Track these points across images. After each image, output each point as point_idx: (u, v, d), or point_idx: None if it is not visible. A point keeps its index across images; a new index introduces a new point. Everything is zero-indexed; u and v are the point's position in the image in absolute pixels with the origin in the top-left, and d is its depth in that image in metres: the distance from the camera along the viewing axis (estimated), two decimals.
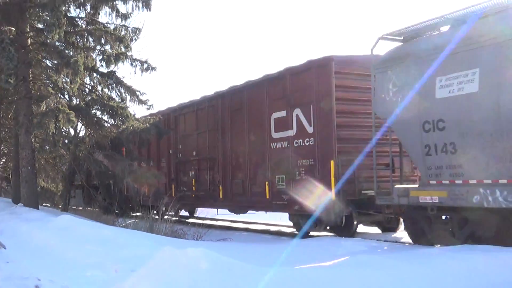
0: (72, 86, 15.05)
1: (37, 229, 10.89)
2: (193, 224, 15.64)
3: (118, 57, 15.57)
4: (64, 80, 15.74)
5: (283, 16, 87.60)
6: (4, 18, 14.58)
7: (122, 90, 16.18)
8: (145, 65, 15.86)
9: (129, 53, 15.82)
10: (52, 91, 15.07)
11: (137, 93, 16.05)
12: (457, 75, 8.18)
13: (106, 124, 16.19)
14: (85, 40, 15.75)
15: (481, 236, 8.35)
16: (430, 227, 9.10)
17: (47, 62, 16.43)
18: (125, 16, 15.82)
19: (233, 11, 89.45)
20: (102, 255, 7.69)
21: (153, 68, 15.98)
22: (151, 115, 16.95)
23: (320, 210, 10.76)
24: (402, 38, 9.90)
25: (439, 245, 8.85)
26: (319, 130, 11.19)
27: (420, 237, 9.42)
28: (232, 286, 5.61)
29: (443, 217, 9.03)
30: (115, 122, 16.02)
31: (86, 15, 15.85)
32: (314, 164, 11.25)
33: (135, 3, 15.43)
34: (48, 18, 15.33)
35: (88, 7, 15.44)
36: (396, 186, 9.40)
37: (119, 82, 16.10)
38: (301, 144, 11.67)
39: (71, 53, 15.12)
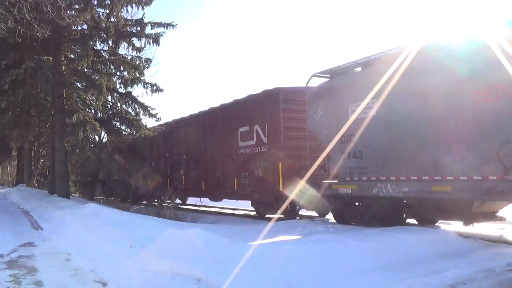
0: (97, 103, 15.05)
1: (68, 215, 10.72)
2: (191, 210, 15.66)
3: (134, 81, 15.64)
4: (91, 98, 15.73)
5: (259, 46, 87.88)
6: (44, 50, 14.45)
7: (136, 106, 16.24)
8: (155, 87, 15.94)
9: (142, 78, 15.92)
10: (81, 106, 15.03)
11: (148, 108, 16.12)
12: (363, 103, 8.88)
13: (123, 133, 16.22)
14: (108, 67, 15.72)
15: (380, 216, 8.96)
16: (347, 210, 9.88)
17: (78, 84, 16.34)
18: (139, 49, 15.86)
19: (226, 41, 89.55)
20: (120, 235, 7.59)
21: (161, 90, 16.03)
22: (159, 125, 16.95)
23: (272, 198, 11.64)
24: (329, 75, 10.40)
25: (353, 224, 9.53)
26: (271, 140, 11.73)
27: (340, 218, 10.16)
28: (221, 257, 5.58)
29: (355, 204, 9.67)
30: (131, 131, 16.10)
31: (108, 48, 15.81)
32: (268, 166, 11.71)
33: (147, 40, 15.49)
34: (78, 50, 15.30)
35: (110, 42, 15.44)
36: (324, 181, 9.90)
37: (134, 100, 16.16)
38: (259, 150, 12.14)
39: (97, 77, 15.08)
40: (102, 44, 15.69)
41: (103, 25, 14.43)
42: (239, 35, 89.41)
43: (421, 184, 7.81)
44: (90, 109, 16.20)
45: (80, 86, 16.30)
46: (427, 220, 9.31)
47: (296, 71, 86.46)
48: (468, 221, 8.02)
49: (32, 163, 28.65)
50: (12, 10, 10.84)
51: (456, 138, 7.26)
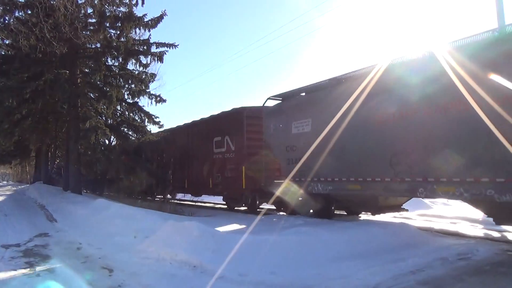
0: (108, 111, 14.93)
1: (80, 209, 10.53)
2: (188, 205, 15.53)
3: (140, 93, 15.53)
4: (102, 107, 15.57)
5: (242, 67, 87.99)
6: (62, 64, 14.29)
7: (142, 115, 16.10)
8: (158, 98, 15.81)
9: (147, 90, 15.79)
10: (93, 114, 14.88)
11: (153, 116, 15.99)
12: (302, 121, 9.99)
13: (131, 137, 16.07)
14: (118, 80, 15.56)
15: (315, 207, 9.98)
16: (297, 205, 10.52)
17: (91, 94, 16.15)
18: (145, 65, 15.79)
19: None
20: (125, 226, 7.48)
21: (164, 100, 15.92)
22: (158, 132, 16.82)
23: (237, 195, 12.53)
24: (281, 98, 11.34)
25: (299, 214, 10.28)
26: (237, 148, 12.53)
27: (295, 212, 10.80)
28: (215, 247, 5.53)
29: (299, 198, 10.38)
30: (137, 136, 15.96)
31: (118, 64, 15.73)
32: (235, 168, 12.45)
33: (152, 57, 15.44)
34: (92, 65, 15.14)
35: (120, 58, 15.40)
36: (275, 181, 10.67)
37: (140, 109, 16.03)
38: (228, 156, 12.94)
39: (108, 89, 14.92)
40: (113, 60, 15.62)
41: (114, 44, 14.36)
42: (231, 53, 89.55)
43: (340, 184, 8.75)
44: (102, 117, 16.00)
45: (93, 97, 16.11)
46: (352, 211, 10.53)
47: (280, 87, 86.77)
48: (377, 211, 9.10)
49: (49, 163, 28.16)
50: (34, 29, 10.70)
51: (363, 148, 8.21)
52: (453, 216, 10.35)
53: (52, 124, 19.01)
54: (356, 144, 8.31)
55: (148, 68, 15.94)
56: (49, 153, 28.04)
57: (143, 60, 15.57)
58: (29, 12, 12.89)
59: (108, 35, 14.44)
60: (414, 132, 7.20)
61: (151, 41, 15.25)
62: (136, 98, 15.74)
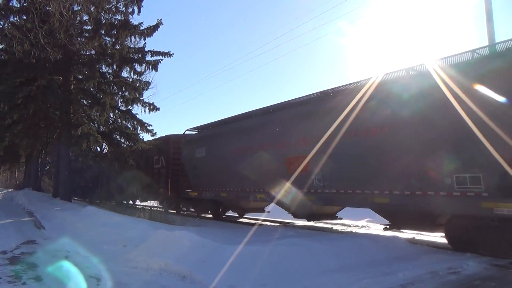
0: (101, 118, 14.81)
1: (69, 216, 10.36)
2: (180, 214, 15.40)
3: (133, 101, 15.48)
4: (95, 114, 15.46)
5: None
6: (55, 70, 14.22)
7: (135, 123, 16.02)
8: (152, 106, 15.79)
9: (141, 98, 15.73)
10: (86, 121, 14.78)
11: (145, 124, 15.93)
12: (200, 149, 14.04)
13: (123, 145, 15.93)
14: (111, 88, 15.50)
15: (208, 209, 14.45)
16: (195, 206, 15.14)
17: (84, 101, 16.05)
18: (139, 74, 15.78)
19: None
20: (115, 235, 7.37)
21: (157, 109, 15.90)
22: (154, 139, 16.72)
23: (168, 200, 16.42)
24: (197, 130, 15.30)
25: (209, 215, 14.62)
26: (166, 165, 16.48)
27: (200, 212, 15.08)
28: (205, 257, 5.46)
29: (199, 202, 14.56)
30: (129, 143, 15.83)
31: (112, 71, 15.67)
32: (165, 180, 16.24)
33: (147, 66, 15.45)
34: (86, 72, 15.07)
35: (114, 66, 15.36)
36: (186, 190, 14.85)
37: (133, 117, 15.95)
38: (161, 171, 16.77)
39: (101, 96, 14.84)
40: (107, 68, 15.57)
41: (109, 51, 14.34)
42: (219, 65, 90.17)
43: (216, 192, 13.01)
44: (94, 124, 15.89)
45: (86, 103, 16.01)
46: (239, 213, 14.85)
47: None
48: (311, 218, 10.54)
49: (39, 169, 27.74)
50: (29, 35, 10.65)
51: (224, 170, 12.64)
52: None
53: (43, 130, 18.81)
54: (222, 167, 12.60)
55: (142, 76, 15.96)
56: (40, 159, 27.65)
57: (138, 68, 15.59)
58: (24, 17, 12.86)
59: (103, 43, 14.43)
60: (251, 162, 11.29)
61: (146, 49, 15.28)
62: (130, 106, 15.69)
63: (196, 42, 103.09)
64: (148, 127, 15.92)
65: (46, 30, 11.28)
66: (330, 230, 10.10)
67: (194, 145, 14.38)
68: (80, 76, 15.93)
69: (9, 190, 30.44)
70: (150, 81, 16.30)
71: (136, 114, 16.15)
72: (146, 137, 19.13)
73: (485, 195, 6.30)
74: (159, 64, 15.41)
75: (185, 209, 16.59)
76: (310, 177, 9.16)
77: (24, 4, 12.98)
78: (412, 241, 7.92)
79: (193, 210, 15.71)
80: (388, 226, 8.30)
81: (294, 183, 9.43)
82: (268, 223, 12.31)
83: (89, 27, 14.37)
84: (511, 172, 5.83)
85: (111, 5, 14.03)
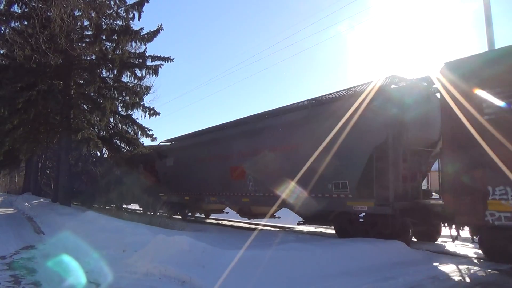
0: (101, 123, 14.80)
1: (68, 221, 10.32)
2: (179, 219, 15.36)
3: (134, 105, 15.44)
4: (95, 118, 15.44)
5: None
6: (56, 75, 14.23)
7: (135, 127, 15.97)
8: (152, 111, 15.70)
9: (141, 103, 15.69)
10: (86, 125, 14.76)
11: (146, 129, 15.88)
12: (170, 158, 16.11)
13: (123, 150, 15.91)
14: (112, 92, 15.48)
15: (178, 209, 15.97)
16: (172, 210, 15.19)
17: (84, 106, 16.05)
18: (140, 78, 15.72)
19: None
20: (114, 240, 7.34)
21: (158, 113, 15.82)
22: (143, 148, 16.73)
23: (152, 202, 16.32)
24: (170, 142, 17.32)
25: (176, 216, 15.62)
26: (148, 172, 17.21)
27: (171, 214, 15.11)
28: (204, 262, 5.43)
29: (169, 204, 15.44)
30: (129, 148, 15.79)
31: (113, 76, 15.65)
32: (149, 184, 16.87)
33: (147, 71, 15.42)
34: (87, 77, 15.08)
35: (115, 71, 15.31)
36: (160, 194, 16.48)
37: (134, 122, 15.92)
38: (143, 177, 17.19)
39: (101, 101, 14.84)
40: (108, 72, 15.54)
41: (110, 56, 14.35)
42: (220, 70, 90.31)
43: (180, 196, 15.26)
44: (94, 128, 15.88)
45: (86, 108, 16.01)
46: (205, 214, 16.72)
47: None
48: (252, 217, 12.51)
49: (39, 174, 27.72)
50: (30, 40, 10.69)
51: (190, 177, 14.85)
52: (443, 234, 10.37)
53: (43, 135, 18.79)
54: (186, 174, 14.82)
55: (143, 81, 15.91)
56: (40, 164, 27.65)
57: (138, 73, 15.54)
58: (26, 23, 12.91)
59: (104, 48, 14.45)
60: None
61: (147, 54, 15.28)
62: (130, 111, 15.65)
63: (196, 47, 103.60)
64: (148, 132, 15.88)
65: (47, 35, 11.33)
66: (330, 235, 10.07)
67: (168, 156, 16.82)
68: (80, 81, 15.94)
69: (8, 197, 30.43)
70: (150, 85, 16.30)
71: (137, 118, 16.10)
72: (147, 141, 19.20)
73: (350, 197, 8.62)
74: (160, 69, 15.39)
75: (161, 211, 16.75)
76: (246, 183, 11.49)
77: (26, 10, 13.04)
78: (413, 246, 7.89)
79: (164, 212, 16.55)
80: (301, 222, 10.35)
81: (235, 188, 12.13)
82: (268, 228, 12.27)
83: (90, 32, 14.42)
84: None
85: (112, 11, 14.08)
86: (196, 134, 15.87)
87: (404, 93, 8.34)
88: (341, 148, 8.37)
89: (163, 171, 16.66)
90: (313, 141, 9.16)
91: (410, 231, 8.18)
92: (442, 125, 7.39)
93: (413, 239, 8.84)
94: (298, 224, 10.56)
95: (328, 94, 9.92)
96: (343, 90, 9.49)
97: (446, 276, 5.59)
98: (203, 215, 17.12)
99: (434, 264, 6.55)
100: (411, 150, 8.46)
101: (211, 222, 15.72)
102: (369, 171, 8.21)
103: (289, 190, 9.48)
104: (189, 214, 16.61)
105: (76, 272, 5.70)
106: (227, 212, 15.43)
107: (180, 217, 16.05)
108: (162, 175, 16.62)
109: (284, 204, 10.02)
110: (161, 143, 17.06)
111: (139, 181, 16.90)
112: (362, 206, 8.38)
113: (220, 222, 15.69)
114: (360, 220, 8.79)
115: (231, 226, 14.00)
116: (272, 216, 11.81)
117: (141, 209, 18.49)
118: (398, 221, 7.98)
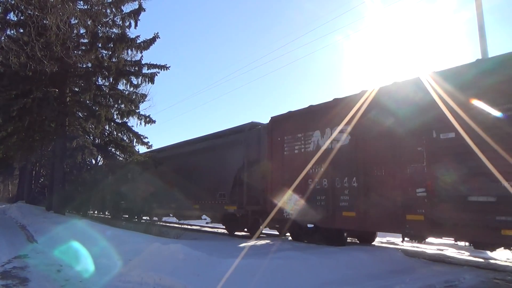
0: (96, 131, 14.76)
1: (62, 230, 10.21)
2: (174, 227, 15.22)
3: (129, 113, 15.43)
4: (90, 126, 15.39)
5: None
6: (51, 83, 14.20)
7: (131, 135, 15.96)
8: (148, 119, 15.72)
9: (137, 111, 15.70)
10: (81, 133, 14.70)
11: (141, 137, 15.87)
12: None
13: (118, 157, 15.83)
14: (107, 100, 15.48)
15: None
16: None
17: (79, 113, 16.00)
18: (136, 86, 15.76)
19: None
20: (109, 249, 7.26)
21: (153, 121, 15.85)
22: (150, 152, 16.65)
23: None
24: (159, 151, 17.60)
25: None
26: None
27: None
28: (199, 271, 5.39)
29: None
30: (125, 156, 15.72)
31: (109, 84, 15.66)
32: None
33: (143, 78, 15.46)
34: (82, 84, 15.07)
35: (111, 79, 15.34)
36: None
37: (129, 130, 15.90)
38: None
39: (97, 108, 14.82)
40: (104, 80, 15.58)
41: (106, 64, 14.37)
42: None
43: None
44: (89, 136, 15.83)
45: (81, 116, 15.97)
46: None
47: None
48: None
49: (33, 182, 27.46)
50: (25, 48, 10.68)
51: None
52: (440, 243, 10.38)
53: (38, 142, 18.69)
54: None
55: (138, 89, 15.95)
56: (34, 172, 27.41)
57: (134, 80, 15.59)
58: (21, 30, 12.90)
59: (100, 56, 14.48)
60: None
61: (143, 62, 15.33)
62: (125, 118, 15.65)
63: (193, 55, 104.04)
64: (144, 140, 15.87)
65: (43, 43, 11.32)
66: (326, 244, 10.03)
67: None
68: (76, 89, 15.92)
69: (1, 205, 30.11)
70: (146, 93, 16.35)
71: (132, 126, 16.13)
72: (142, 149, 19.10)
73: (227, 202, 12.21)
74: (156, 76, 15.45)
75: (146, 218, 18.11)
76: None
77: (21, 18, 13.05)
78: (408, 254, 7.89)
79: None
80: (209, 222, 14.06)
81: (172, 197, 14.77)
82: (264, 236, 12.20)
83: (85, 40, 14.43)
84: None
85: (108, 19, 14.14)
86: (170, 147, 17.43)
87: (251, 137, 11.88)
88: (220, 170, 12.70)
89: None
90: (209, 164, 13.38)
91: (345, 234, 9.41)
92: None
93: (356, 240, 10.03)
94: (207, 223, 15.48)
95: (219, 132, 13.66)
96: (225, 129, 13.42)
97: (442, 285, 5.58)
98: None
99: (431, 272, 6.54)
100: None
101: (207, 231, 15.62)
102: (234, 186, 12.05)
103: (199, 199, 13.54)
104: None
105: (69, 281, 5.62)
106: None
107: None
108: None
109: (198, 210, 13.72)
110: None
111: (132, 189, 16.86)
112: (231, 209, 11.98)
113: (216, 230, 15.58)
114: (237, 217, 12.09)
115: (227, 234, 13.91)
116: (199, 218, 14.92)
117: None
118: (250, 219, 11.63)
